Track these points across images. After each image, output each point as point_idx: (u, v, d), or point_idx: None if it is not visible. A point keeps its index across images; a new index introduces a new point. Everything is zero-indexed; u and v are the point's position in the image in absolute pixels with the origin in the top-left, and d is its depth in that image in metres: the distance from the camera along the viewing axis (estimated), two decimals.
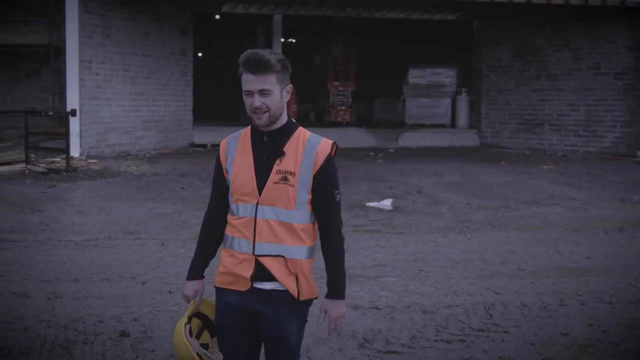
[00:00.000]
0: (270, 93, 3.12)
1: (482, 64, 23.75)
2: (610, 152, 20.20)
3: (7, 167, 14.49)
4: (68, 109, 15.74)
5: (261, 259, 3.15)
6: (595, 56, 20.67)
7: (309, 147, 3.18)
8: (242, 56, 3.15)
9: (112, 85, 18.25)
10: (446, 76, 25.03)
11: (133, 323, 5.67)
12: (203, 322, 3.36)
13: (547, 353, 5.32)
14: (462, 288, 6.90)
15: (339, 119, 24.92)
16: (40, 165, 14.99)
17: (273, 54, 3.13)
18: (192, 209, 10.87)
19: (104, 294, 6.43)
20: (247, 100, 3.14)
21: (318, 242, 3.25)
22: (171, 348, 5.12)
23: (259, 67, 3.09)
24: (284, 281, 3.17)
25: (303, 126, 3.29)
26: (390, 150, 21.74)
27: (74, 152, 16.29)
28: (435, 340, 5.52)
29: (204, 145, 21.07)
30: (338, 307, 3.26)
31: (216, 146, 19.72)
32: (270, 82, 3.11)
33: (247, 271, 3.17)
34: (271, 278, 3.17)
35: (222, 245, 3.33)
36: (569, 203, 12.17)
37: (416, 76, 25.07)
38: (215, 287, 3.31)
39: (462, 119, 24.69)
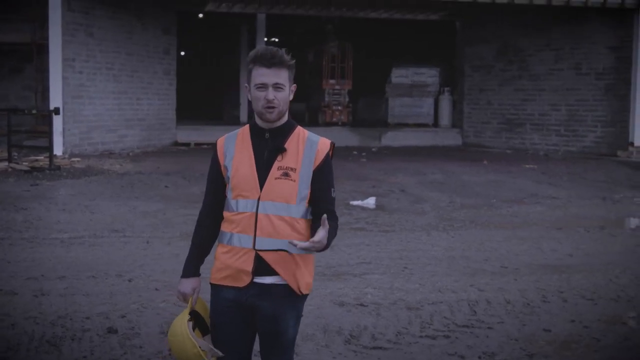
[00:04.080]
0: (283, 88, 3.18)
1: (465, 64, 23.89)
2: (591, 151, 20.36)
3: None
4: (51, 108, 15.69)
5: (262, 254, 3.19)
6: (577, 56, 20.83)
7: (309, 144, 3.26)
8: (254, 52, 3.21)
9: (95, 84, 18.19)
10: (429, 76, 25.18)
11: (120, 320, 5.69)
12: (195, 320, 3.39)
13: (530, 349, 5.40)
14: (446, 285, 6.98)
15: (334, 119, 24.16)
16: (23, 163, 14.93)
17: (284, 52, 3.20)
18: (176, 207, 10.88)
19: (91, 291, 6.44)
20: (258, 94, 3.17)
21: None
22: (159, 344, 5.15)
23: (275, 60, 3.15)
24: (285, 275, 3.20)
25: None
26: (374, 149, 21.81)
27: (57, 150, 16.21)
28: (420, 336, 5.59)
29: (187, 144, 21.07)
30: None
31: (200, 145, 19.40)
32: (283, 77, 3.18)
33: (248, 265, 3.20)
34: (271, 272, 3.21)
35: (217, 242, 3.37)
36: (550, 202, 12.30)
37: (399, 76, 25.21)
38: (211, 284, 3.33)
39: (445, 118, 24.84)
